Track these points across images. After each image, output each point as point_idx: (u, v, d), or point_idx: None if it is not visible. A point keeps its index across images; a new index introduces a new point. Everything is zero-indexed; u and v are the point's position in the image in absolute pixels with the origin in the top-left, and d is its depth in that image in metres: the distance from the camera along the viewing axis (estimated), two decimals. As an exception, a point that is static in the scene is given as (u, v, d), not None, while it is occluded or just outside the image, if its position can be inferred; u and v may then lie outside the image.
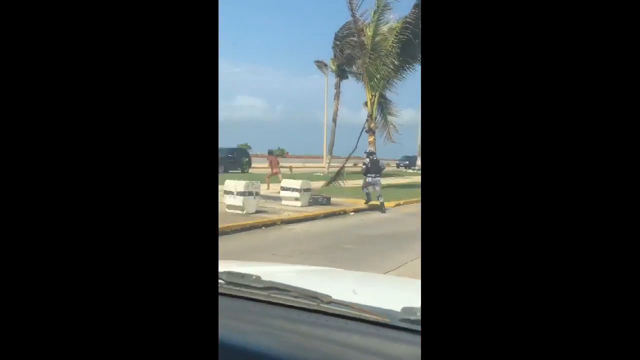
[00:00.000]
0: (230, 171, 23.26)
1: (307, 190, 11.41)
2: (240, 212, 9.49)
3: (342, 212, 10.93)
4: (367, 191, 11.67)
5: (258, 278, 1.18)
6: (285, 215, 9.75)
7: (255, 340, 0.92)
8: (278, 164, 15.25)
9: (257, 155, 29.63)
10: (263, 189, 11.24)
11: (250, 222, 8.69)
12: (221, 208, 9.65)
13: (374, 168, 11.50)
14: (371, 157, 11.67)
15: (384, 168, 12.28)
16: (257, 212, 9.72)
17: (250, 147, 31.02)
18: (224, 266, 1.36)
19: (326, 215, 10.49)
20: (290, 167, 15.81)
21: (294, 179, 11.90)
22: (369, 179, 11.52)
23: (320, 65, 25.23)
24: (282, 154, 33.15)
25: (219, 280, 1.19)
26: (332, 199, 12.24)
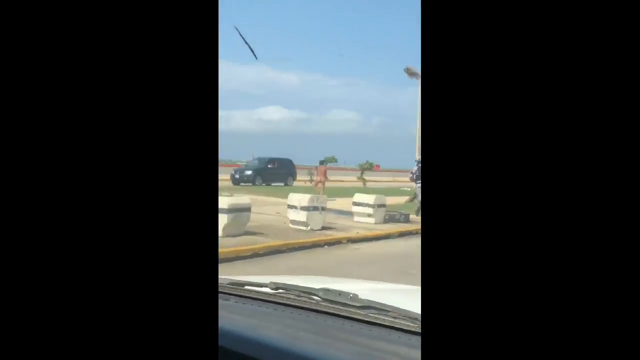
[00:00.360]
0: (273, 184, 21.09)
1: (382, 206, 10.43)
2: (304, 228, 8.76)
3: (419, 232, 9.79)
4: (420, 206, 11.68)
5: (355, 296, 1.14)
6: (353, 233, 8.86)
7: None
8: (325, 175, 15.92)
9: (344, 168, 28.88)
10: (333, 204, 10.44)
11: (311, 239, 7.91)
12: (282, 223, 9.03)
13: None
14: (419, 166, 11.71)
15: None
16: (324, 228, 8.94)
17: (336, 160, 30.46)
18: (318, 282, 1.42)
19: (401, 234, 9.44)
20: (364, 181, 14.66)
21: (367, 193, 10.95)
22: (419, 185, 11.53)
23: (411, 72, 24.00)
24: (370, 167, 32.10)
25: (315, 297, 1.18)
26: (413, 216, 11.14)
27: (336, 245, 8.07)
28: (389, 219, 10.56)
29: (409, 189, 20.91)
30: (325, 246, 7.88)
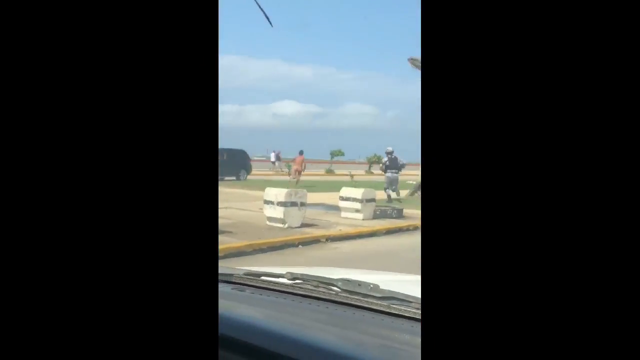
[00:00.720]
0: (225, 178, 18.79)
1: (371, 200, 9.63)
2: (281, 225, 8.04)
3: (409, 228, 9.01)
4: (388, 192, 12.53)
5: (376, 287, 1.10)
6: (335, 231, 8.11)
7: (374, 354, 0.87)
8: (302, 165, 17.10)
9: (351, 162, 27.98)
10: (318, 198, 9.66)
11: (284, 238, 7.19)
12: (262, 221, 8.31)
13: (392, 165, 12.66)
14: (389, 156, 12.81)
15: (403, 165, 13.20)
16: (304, 225, 8.20)
17: (343, 154, 29.77)
18: (337, 272, 1.38)
19: (389, 231, 8.65)
20: (351, 175, 14.11)
21: (356, 187, 10.13)
22: (388, 174, 12.65)
23: (416, 63, 23.07)
24: (378, 160, 31.35)
25: (334, 288, 1.15)
26: (410, 211, 10.34)
27: (313, 245, 7.33)
28: (380, 214, 9.77)
29: (414, 182, 20.09)
30: (300, 246, 7.15)
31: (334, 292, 1.14)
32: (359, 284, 1.12)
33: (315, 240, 7.48)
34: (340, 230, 8.19)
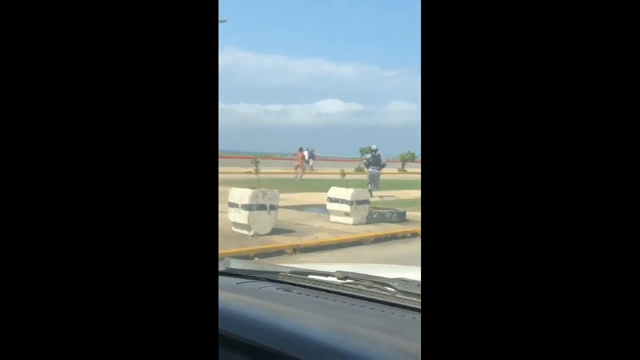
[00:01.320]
0: None
1: (363, 202, 8.23)
2: (247, 232, 6.81)
3: (406, 234, 7.57)
4: (369, 189, 12.28)
5: None
6: (310, 239, 6.80)
7: None
8: (302, 160, 18.60)
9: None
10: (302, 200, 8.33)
11: (235, 249, 5.94)
12: (229, 226, 7.11)
13: (374, 162, 13.21)
14: (373, 153, 13.44)
15: (385, 163, 13.63)
16: (275, 232, 6.95)
17: (377, 150, 28.31)
18: (390, 270, 1.40)
19: (378, 239, 7.26)
20: (343, 173, 12.66)
21: (347, 187, 8.72)
22: (370, 170, 13.21)
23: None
24: (412, 158, 29.75)
25: (389, 289, 1.09)
26: (414, 214, 8.88)
27: (275, 257, 6.07)
28: (378, 218, 8.38)
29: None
30: (256, 259, 5.89)
31: (389, 294, 1.06)
32: (418, 284, 1.01)
33: (279, 252, 6.22)
34: (316, 238, 6.88)
